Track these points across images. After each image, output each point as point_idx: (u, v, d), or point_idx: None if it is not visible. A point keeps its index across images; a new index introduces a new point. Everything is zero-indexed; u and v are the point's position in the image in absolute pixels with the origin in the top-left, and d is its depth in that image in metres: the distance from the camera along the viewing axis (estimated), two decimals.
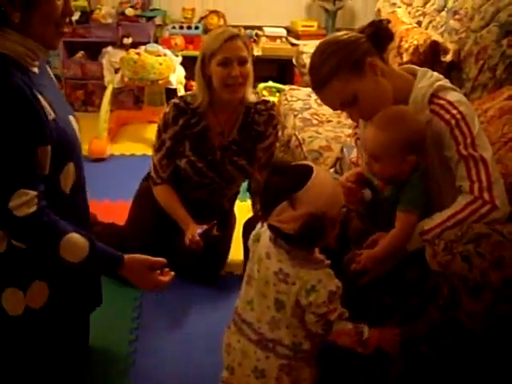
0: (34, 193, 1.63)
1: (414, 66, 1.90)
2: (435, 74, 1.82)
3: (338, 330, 1.58)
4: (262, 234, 1.67)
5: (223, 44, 2.37)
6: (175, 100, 2.57)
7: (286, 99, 3.52)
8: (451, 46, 2.87)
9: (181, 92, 4.11)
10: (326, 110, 3.35)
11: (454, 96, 1.73)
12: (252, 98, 2.53)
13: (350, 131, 3.02)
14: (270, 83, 4.28)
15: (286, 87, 3.78)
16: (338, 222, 1.60)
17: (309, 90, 3.58)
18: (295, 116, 3.28)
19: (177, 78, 4.18)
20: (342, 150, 2.66)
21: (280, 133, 3.35)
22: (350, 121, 3.20)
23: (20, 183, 1.61)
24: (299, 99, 3.47)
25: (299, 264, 1.56)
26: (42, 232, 1.68)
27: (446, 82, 1.79)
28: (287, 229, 1.52)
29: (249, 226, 2.13)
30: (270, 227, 1.58)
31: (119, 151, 4.17)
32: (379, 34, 1.78)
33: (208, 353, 2.28)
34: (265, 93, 4.18)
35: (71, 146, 1.77)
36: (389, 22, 1.83)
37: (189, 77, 4.36)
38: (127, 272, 1.85)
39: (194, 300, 2.64)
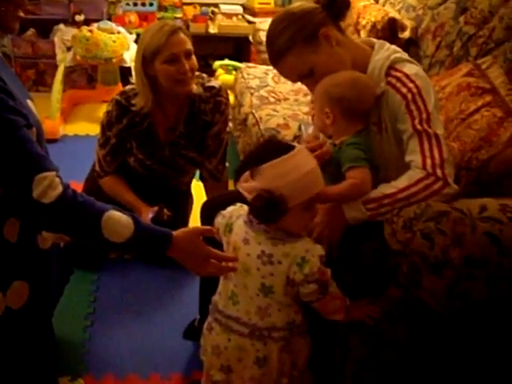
0: (52, 173, 1.50)
1: (371, 39, 1.87)
2: (392, 46, 1.79)
3: (333, 293, 1.57)
4: (233, 223, 1.61)
5: (166, 40, 2.23)
6: (117, 97, 2.43)
7: (243, 77, 3.46)
8: (408, 23, 2.85)
9: None
10: (284, 88, 3.31)
11: (412, 69, 1.71)
12: (196, 88, 2.42)
13: (307, 109, 2.99)
14: (226, 61, 4.20)
15: (243, 65, 3.72)
16: (310, 208, 1.54)
17: (266, 67, 3.55)
18: (252, 94, 3.22)
19: (131, 55, 4.05)
20: (299, 127, 2.64)
21: (237, 111, 3.31)
22: (308, 98, 3.22)
23: (33, 170, 1.47)
24: (256, 77, 3.41)
25: (281, 241, 1.52)
26: (79, 213, 1.50)
27: (403, 55, 1.76)
28: (247, 197, 1.49)
29: (206, 209, 2.07)
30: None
31: (73, 131, 4.06)
32: (335, 2, 1.74)
33: (165, 338, 2.24)
34: (221, 71, 4.10)
35: (37, 131, 1.62)
36: None
37: None
38: (178, 250, 1.57)
39: (150, 282, 2.59)
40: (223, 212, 1.67)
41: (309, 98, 2.95)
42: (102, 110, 3.32)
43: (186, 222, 2.76)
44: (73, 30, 4.16)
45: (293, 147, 1.51)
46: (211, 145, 2.54)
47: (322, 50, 1.71)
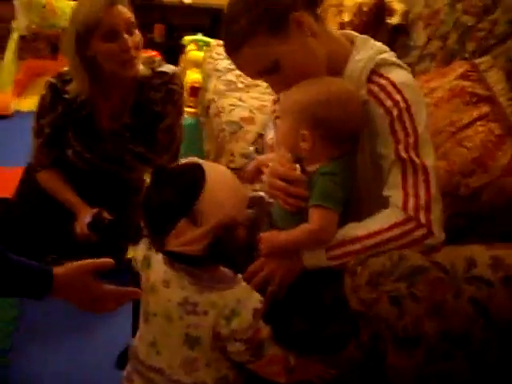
0: None
1: (352, 32, 1.49)
2: (378, 44, 1.42)
3: (271, 356, 1.26)
4: (152, 257, 1.30)
5: (103, 13, 1.88)
6: (52, 80, 2.08)
7: (211, 56, 3.10)
8: (399, 7, 2.49)
9: None
10: None
11: (400, 75, 1.35)
12: (144, 70, 2.05)
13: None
14: (198, 36, 3.81)
15: (214, 42, 3.33)
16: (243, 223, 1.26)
17: None
18: (218, 78, 2.86)
19: None
20: (265, 125, 2.27)
21: (202, 96, 2.94)
22: None
23: None
24: (226, 57, 3.01)
25: (208, 287, 1.22)
26: None
27: (390, 56, 1.40)
28: (192, 251, 1.19)
29: None
30: (168, 253, 1.23)
31: (27, 107, 3.62)
32: None
33: (94, 368, 1.92)
34: (191, 46, 3.71)
35: None
36: None
37: None
38: (62, 291, 1.33)
39: None
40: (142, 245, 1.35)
41: None
42: None
43: (132, 222, 2.41)
44: None
45: (197, 164, 1.21)
46: (162, 139, 2.18)
47: (292, 39, 1.33)
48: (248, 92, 2.72)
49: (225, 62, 2.98)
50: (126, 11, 1.91)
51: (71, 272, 1.34)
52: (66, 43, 1.95)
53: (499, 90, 1.73)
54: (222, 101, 2.60)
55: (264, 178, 1.53)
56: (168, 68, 2.14)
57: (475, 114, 1.66)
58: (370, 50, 1.39)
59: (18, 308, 2.16)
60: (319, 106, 1.31)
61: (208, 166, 1.21)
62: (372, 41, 1.43)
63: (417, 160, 1.30)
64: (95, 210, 2.12)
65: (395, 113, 1.30)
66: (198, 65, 3.56)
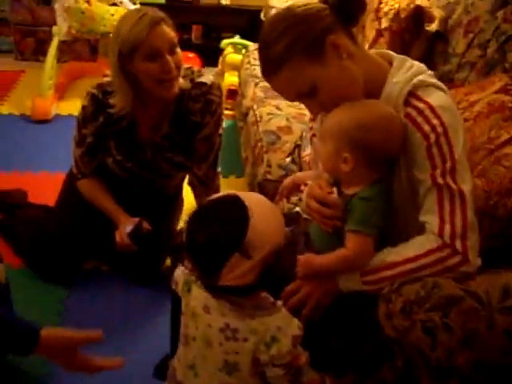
0: None
1: (389, 52, 1.48)
2: (416, 63, 1.41)
3: (309, 381, 1.28)
4: (192, 283, 1.32)
5: (146, 33, 1.88)
6: (93, 91, 2.10)
7: (249, 62, 3.09)
8: (438, 13, 2.44)
9: None
10: None
11: (438, 98, 1.34)
12: (183, 82, 2.07)
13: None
14: (236, 39, 3.81)
15: (251, 45, 3.33)
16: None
17: None
18: (256, 84, 2.86)
19: None
20: (301, 135, 2.29)
21: (239, 102, 2.95)
22: None
23: None
24: None
25: (249, 315, 1.24)
26: None
27: (428, 77, 1.38)
28: (245, 282, 1.21)
29: None
30: (216, 288, 1.24)
31: (67, 111, 3.70)
32: (347, 3, 1.36)
33: (132, 376, 1.95)
34: (229, 49, 3.72)
35: None
36: None
37: None
38: (46, 351, 1.46)
39: (125, 304, 2.28)
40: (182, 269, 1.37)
41: None
42: None
43: (171, 232, 2.46)
44: None
45: (235, 197, 1.23)
46: (201, 149, 2.22)
47: (329, 62, 1.34)
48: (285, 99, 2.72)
49: None
50: (169, 31, 1.93)
51: (59, 339, 1.44)
52: (110, 59, 1.99)
53: None
54: (260, 109, 2.60)
55: (302, 195, 1.55)
56: (206, 79, 2.16)
57: None
58: (407, 71, 1.38)
59: (62, 307, 2.21)
60: (361, 130, 1.32)
61: (246, 197, 1.22)
62: (410, 61, 1.42)
63: (453, 186, 1.29)
64: (135, 220, 2.16)
65: (432, 138, 1.30)
66: (235, 68, 3.58)
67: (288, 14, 1.37)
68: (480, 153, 1.65)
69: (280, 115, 2.51)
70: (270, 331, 1.22)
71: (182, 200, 2.57)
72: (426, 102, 1.33)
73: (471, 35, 2.26)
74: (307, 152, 1.75)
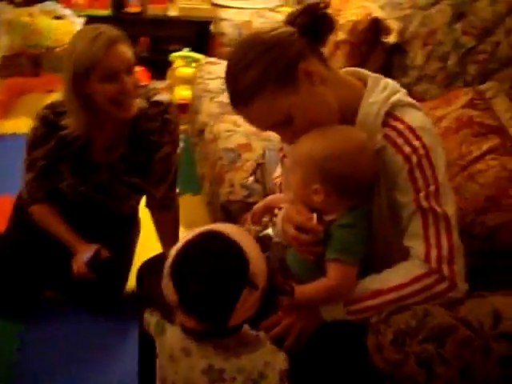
0: None
1: (362, 71, 1.43)
2: (390, 81, 1.36)
3: None
4: (165, 324, 1.24)
5: (103, 53, 1.79)
6: (44, 112, 1.99)
7: (201, 77, 3.01)
8: (395, 25, 2.44)
9: None
10: None
11: (416, 118, 1.30)
12: (139, 101, 1.97)
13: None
14: (186, 51, 3.72)
15: (203, 59, 3.26)
16: None
17: None
18: (211, 99, 2.79)
19: None
20: (263, 154, 2.22)
21: (193, 116, 2.87)
22: None
23: None
24: (218, 77, 2.96)
25: (234, 353, 1.16)
26: None
27: (404, 95, 1.34)
28: (251, 314, 1.16)
29: (147, 272, 1.65)
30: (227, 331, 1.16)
31: (12, 129, 3.53)
32: (315, 24, 1.29)
33: None
34: (179, 62, 3.63)
35: None
36: (326, 5, 1.35)
37: None
38: None
39: (87, 336, 2.16)
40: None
41: None
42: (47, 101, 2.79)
43: (130, 254, 2.35)
44: (13, 11, 3.63)
45: (220, 233, 1.14)
46: (159, 169, 2.12)
47: (302, 90, 1.27)
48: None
49: (216, 82, 2.91)
50: (126, 50, 1.83)
51: None
52: (63, 79, 1.87)
53: (507, 120, 1.69)
54: (218, 126, 2.52)
55: (275, 219, 1.48)
56: (162, 97, 2.08)
57: (485, 147, 1.62)
58: (383, 90, 1.33)
59: (19, 342, 2.09)
60: (330, 160, 1.26)
61: (222, 228, 1.16)
62: (384, 79, 1.37)
63: (438, 209, 1.25)
64: (93, 248, 2.06)
65: (414, 160, 1.26)
66: (186, 81, 3.50)
67: (256, 41, 1.29)
68: (453, 168, 1.62)
69: (238, 132, 2.44)
70: (257, 367, 1.16)
71: (138, 221, 2.47)
72: (404, 123, 1.29)
73: (430, 47, 2.26)
74: (277, 174, 1.69)
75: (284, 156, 1.61)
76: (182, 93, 3.47)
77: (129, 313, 2.18)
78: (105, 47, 1.77)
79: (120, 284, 2.28)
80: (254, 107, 1.28)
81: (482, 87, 1.82)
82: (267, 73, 1.25)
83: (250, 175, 2.18)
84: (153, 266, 1.63)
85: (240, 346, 1.17)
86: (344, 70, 1.44)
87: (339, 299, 1.29)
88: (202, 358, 1.17)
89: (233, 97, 1.32)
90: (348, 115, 1.33)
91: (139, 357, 1.68)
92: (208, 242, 1.13)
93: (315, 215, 1.31)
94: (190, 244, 1.13)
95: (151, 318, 1.28)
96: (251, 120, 1.35)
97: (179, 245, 1.15)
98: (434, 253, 1.24)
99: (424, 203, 1.25)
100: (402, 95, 1.34)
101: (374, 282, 1.28)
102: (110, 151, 2.04)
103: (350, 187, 1.28)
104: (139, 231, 2.45)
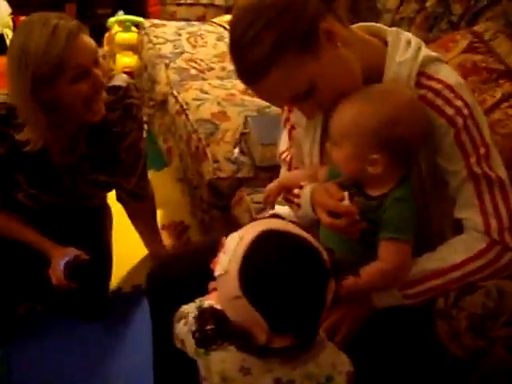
0: None
1: (374, 25, 1.28)
2: (410, 35, 1.22)
3: None
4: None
5: (70, 51, 1.54)
6: None
7: (150, 41, 2.79)
8: None
9: (8, 37, 3.20)
10: (204, 54, 2.73)
11: (451, 74, 1.18)
12: None
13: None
14: (122, 15, 3.45)
15: (146, 22, 3.02)
16: None
17: (176, 24, 2.91)
18: (167, 66, 2.58)
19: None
20: (245, 122, 2.07)
21: (149, 87, 2.67)
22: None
23: None
24: (167, 40, 2.76)
25: (300, 361, 1.03)
26: None
27: (428, 50, 1.21)
28: None
29: (154, 283, 1.49)
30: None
31: None
32: None
33: None
34: (116, 28, 3.37)
35: None
36: None
37: (16, 12, 3.42)
38: None
39: (81, 344, 1.96)
40: (187, 311, 1.13)
41: None
42: None
43: (108, 249, 2.16)
44: None
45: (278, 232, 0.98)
46: (127, 159, 1.91)
47: (324, 54, 1.11)
48: (206, 79, 2.48)
49: (168, 47, 2.71)
50: (89, 40, 1.59)
51: None
52: (16, 88, 1.60)
53: None
54: (183, 95, 2.34)
55: (301, 201, 1.34)
56: (120, 80, 1.85)
57: (499, 94, 1.53)
58: (407, 47, 1.19)
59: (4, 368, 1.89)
60: (387, 125, 1.12)
61: (274, 225, 1.00)
62: (403, 34, 1.22)
63: (491, 174, 1.15)
64: (68, 254, 1.86)
65: (460, 122, 1.14)
66: (127, 47, 3.26)
67: (263, 4, 1.13)
68: None
69: (208, 100, 2.27)
70: (325, 371, 1.03)
71: (109, 210, 2.26)
72: (441, 81, 1.16)
73: None
74: (283, 148, 1.54)
75: (293, 127, 1.46)
76: (125, 60, 3.24)
77: (115, 315, 2.06)
78: (69, 42, 1.52)
79: (104, 285, 2.11)
80: (269, 80, 1.12)
81: (478, 29, 1.72)
82: (282, 40, 1.09)
83: (234, 147, 2.03)
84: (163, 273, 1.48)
85: (306, 352, 1.05)
86: (358, 25, 1.29)
87: (395, 283, 1.17)
88: (265, 373, 1.03)
89: (243, 71, 1.16)
90: (372, 78, 1.19)
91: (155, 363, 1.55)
92: (272, 249, 0.97)
93: (346, 194, 1.19)
94: (256, 258, 0.97)
95: (190, 336, 1.12)
96: (267, 96, 1.20)
97: (237, 264, 0.97)
98: (493, 223, 1.15)
99: (476, 169, 1.15)
100: (426, 49, 1.21)
101: (431, 261, 1.17)
102: (70, 153, 1.79)
103: (407, 152, 1.16)
104: (112, 221, 2.25)
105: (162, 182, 2.66)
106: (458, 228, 1.21)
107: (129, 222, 2.17)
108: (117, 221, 2.20)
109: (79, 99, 1.60)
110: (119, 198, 2.07)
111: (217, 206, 2.00)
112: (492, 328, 1.03)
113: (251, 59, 1.11)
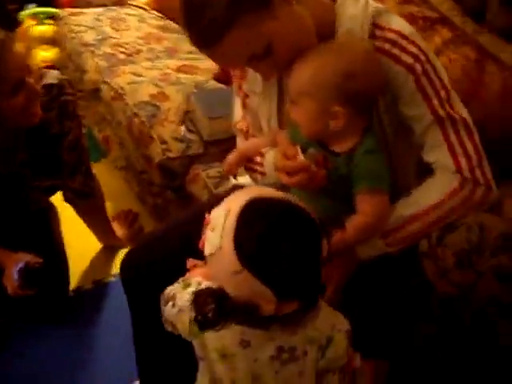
0: None
1: None
2: None
3: None
4: None
5: (5, 64, 1.47)
6: None
7: (72, 31, 2.70)
8: None
9: None
10: (128, 37, 2.65)
11: (402, 23, 1.19)
12: None
13: (175, 62, 2.38)
14: (35, 8, 3.31)
15: (62, 12, 2.92)
16: None
17: (94, 11, 2.82)
18: (93, 53, 2.51)
19: None
20: (188, 99, 2.04)
21: (77, 77, 2.58)
22: (165, 44, 2.59)
23: None
24: (89, 27, 2.68)
25: (300, 324, 1.01)
26: None
27: (375, 2, 1.22)
28: None
29: (128, 267, 1.45)
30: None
31: None
32: None
33: None
34: (30, 22, 3.23)
35: None
36: None
37: None
38: None
39: (47, 351, 1.89)
40: (173, 293, 1.09)
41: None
42: None
43: (59, 245, 2.08)
44: None
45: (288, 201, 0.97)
46: (69, 159, 1.85)
47: (279, 13, 1.10)
48: (135, 63, 2.42)
49: (91, 34, 2.63)
50: (19, 47, 1.51)
51: None
52: None
53: (447, 10, 1.64)
54: (116, 80, 2.27)
55: (266, 169, 1.34)
56: (51, 77, 1.78)
57: (438, 40, 1.57)
58: (355, 1, 1.21)
59: None
60: (346, 77, 1.12)
61: (256, 192, 0.99)
62: None
63: (455, 114, 1.17)
64: (19, 260, 1.77)
65: (418, 68, 1.15)
66: (44, 40, 3.13)
67: None
68: None
69: (143, 82, 2.22)
70: (325, 333, 1.03)
71: (55, 212, 2.16)
72: (394, 31, 1.17)
73: None
74: (237, 118, 1.52)
75: (246, 96, 1.45)
76: (43, 54, 3.10)
77: (80, 313, 1.99)
78: (2, 56, 1.46)
79: (63, 285, 2.04)
80: (227, 44, 1.09)
81: None
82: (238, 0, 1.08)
83: (180, 125, 1.99)
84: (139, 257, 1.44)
85: (304, 316, 1.04)
86: None
87: (376, 234, 1.19)
88: (267, 342, 1.02)
89: (198, 35, 1.13)
90: (325, 35, 1.19)
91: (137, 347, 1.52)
92: (264, 216, 0.96)
93: (298, 149, 1.18)
94: (249, 229, 0.95)
95: (181, 317, 1.09)
96: (224, 60, 1.19)
97: (230, 238, 0.94)
98: (463, 161, 1.17)
99: (440, 111, 1.17)
100: (373, 1, 1.22)
101: (407, 206, 1.19)
102: (9, 161, 1.73)
103: (368, 103, 1.16)
104: (59, 220, 2.16)
105: (102, 174, 2.56)
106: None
107: (77, 219, 2.10)
108: (64, 219, 2.12)
109: (18, 110, 1.54)
110: (67, 199, 1.99)
111: (170, 187, 1.97)
112: (478, 261, 1.07)
113: (207, 21, 1.08)
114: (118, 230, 2.27)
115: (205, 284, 0.99)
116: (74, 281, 2.08)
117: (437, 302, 1.14)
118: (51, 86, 1.72)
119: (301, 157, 1.18)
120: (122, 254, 2.13)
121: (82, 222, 2.13)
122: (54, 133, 1.76)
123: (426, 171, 1.23)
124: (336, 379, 1.05)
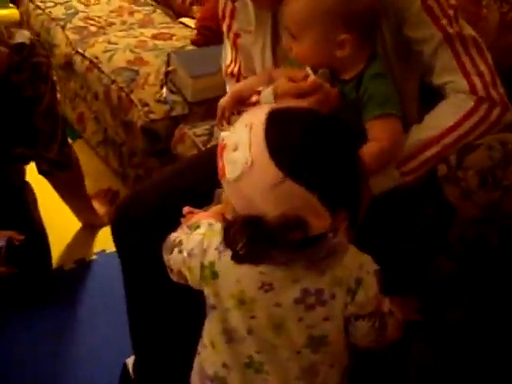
0: None
1: None
2: None
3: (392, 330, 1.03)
4: (215, 262, 0.95)
5: None
6: None
7: (38, 7, 2.60)
8: None
9: None
10: (100, 10, 2.58)
11: None
12: None
13: (151, 30, 2.29)
14: None
15: None
16: None
17: None
18: (63, 27, 2.40)
19: None
20: (168, 60, 1.94)
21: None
22: (138, 16, 2.51)
23: None
24: (56, 3, 2.58)
25: (327, 264, 0.93)
26: None
27: None
28: None
29: (122, 217, 1.35)
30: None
31: None
32: None
33: None
34: None
35: None
36: None
37: None
38: None
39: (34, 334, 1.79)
40: (179, 239, 1.01)
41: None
42: None
43: (38, 222, 1.97)
44: None
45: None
46: (44, 126, 1.75)
47: None
48: (107, 34, 2.32)
49: (60, 9, 2.54)
50: None
51: None
52: None
53: None
54: (90, 50, 2.18)
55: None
56: (22, 37, 1.67)
57: None
58: None
59: None
60: (347, 2, 1.05)
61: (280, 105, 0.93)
62: None
63: (464, 33, 1.11)
64: (1, 241, 1.67)
65: None
66: (9, 24, 3.00)
67: None
68: None
69: (119, 49, 2.13)
70: (353, 274, 0.94)
71: (31, 191, 2.05)
72: None
73: None
74: (228, 61, 1.43)
75: (237, 35, 1.36)
76: None
77: (64, 294, 1.90)
78: None
79: (45, 263, 1.94)
80: None
81: None
82: None
83: (161, 87, 1.90)
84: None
85: (330, 254, 0.94)
86: None
87: (391, 162, 1.11)
88: (291, 284, 0.93)
89: None
90: None
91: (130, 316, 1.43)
92: (294, 120, 0.86)
93: (309, 69, 1.10)
94: (284, 135, 0.85)
95: (192, 261, 0.99)
96: None
97: (263, 149, 0.83)
98: (477, 81, 1.11)
99: (450, 30, 1.10)
100: None
101: (422, 131, 1.12)
102: None
103: (372, 26, 1.09)
104: (36, 199, 2.05)
105: (77, 155, 2.47)
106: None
107: (53, 198, 1.99)
108: (43, 199, 2.01)
109: None
110: (41, 171, 1.87)
111: (154, 153, 1.87)
112: (505, 177, 0.99)
113: None
114: (99, 208, 2.17)
115: (217, 224, 0.93)
116: (54, 261, 1.98)
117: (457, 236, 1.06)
118: (21, 45, 1.61)
119: (312, 76, 1.09)
120: (102, 232, 2.08)
121: (60, 200, 2.02)
122: (27, 95, 1.64)
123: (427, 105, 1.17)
124: (365, 326, 0.97)
